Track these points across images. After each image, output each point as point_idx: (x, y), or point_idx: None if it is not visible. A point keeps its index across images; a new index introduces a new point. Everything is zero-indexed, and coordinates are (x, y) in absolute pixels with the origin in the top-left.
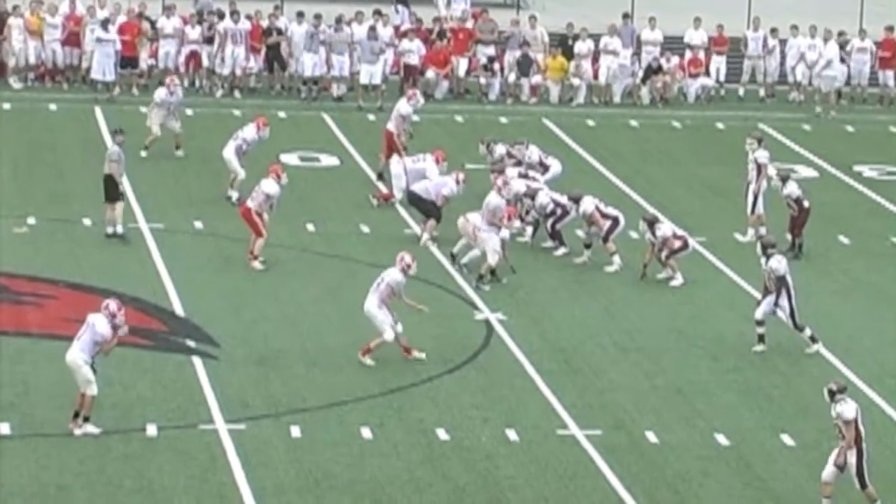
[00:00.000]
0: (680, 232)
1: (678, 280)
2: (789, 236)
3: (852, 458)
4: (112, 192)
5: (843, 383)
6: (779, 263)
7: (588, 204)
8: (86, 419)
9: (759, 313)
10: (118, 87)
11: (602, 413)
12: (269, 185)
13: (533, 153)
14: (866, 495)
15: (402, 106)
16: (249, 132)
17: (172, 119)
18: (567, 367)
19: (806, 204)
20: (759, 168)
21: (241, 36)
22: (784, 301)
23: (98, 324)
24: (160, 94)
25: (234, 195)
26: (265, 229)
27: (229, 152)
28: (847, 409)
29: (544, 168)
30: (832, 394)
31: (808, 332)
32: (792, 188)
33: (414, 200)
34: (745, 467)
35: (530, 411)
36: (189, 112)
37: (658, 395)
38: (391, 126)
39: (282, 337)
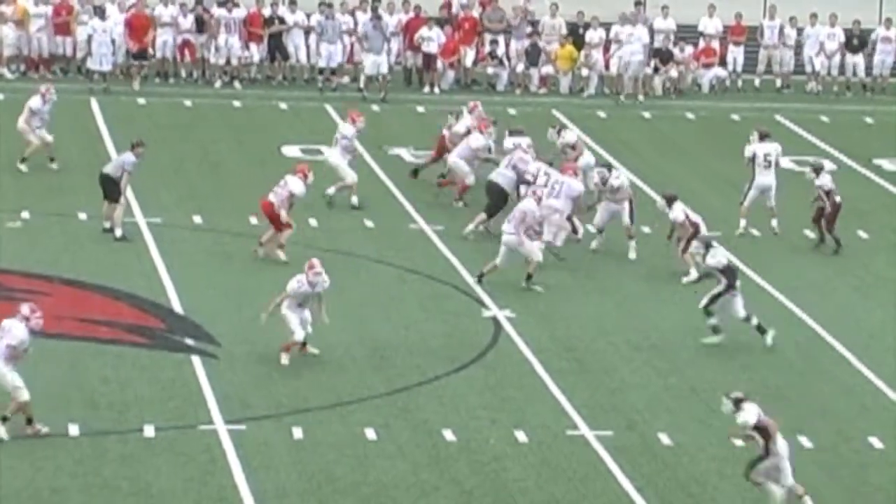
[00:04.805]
0: (694, 217)
1: (692, 276)
2: (816, 231)
3: (759, 451)
4: (112, 192)
5: (741, 394)
6: (714, 258)
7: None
8: (29, 421)
9: (740, 312)
10: (121, 74)
11: (613, 413)
12: (295, 185)
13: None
14: (750, 480)
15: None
16: (347, 128)
17: (44, 129)
18: (577, 365)
19: (838, 199)
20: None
21: (236, 25)
22: (718, 288)
23: (14, 329)
24: (35, 102)
25: (354, 200)
26: (284, 227)
27: (335, 157)
28: (748, 415)
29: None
30: (737, 402)
31: (713, 321)
32: (825, 180)
33: (490, 188)
34: None
35: (539, 411)
36: (188, 103)
37: (671, 395)
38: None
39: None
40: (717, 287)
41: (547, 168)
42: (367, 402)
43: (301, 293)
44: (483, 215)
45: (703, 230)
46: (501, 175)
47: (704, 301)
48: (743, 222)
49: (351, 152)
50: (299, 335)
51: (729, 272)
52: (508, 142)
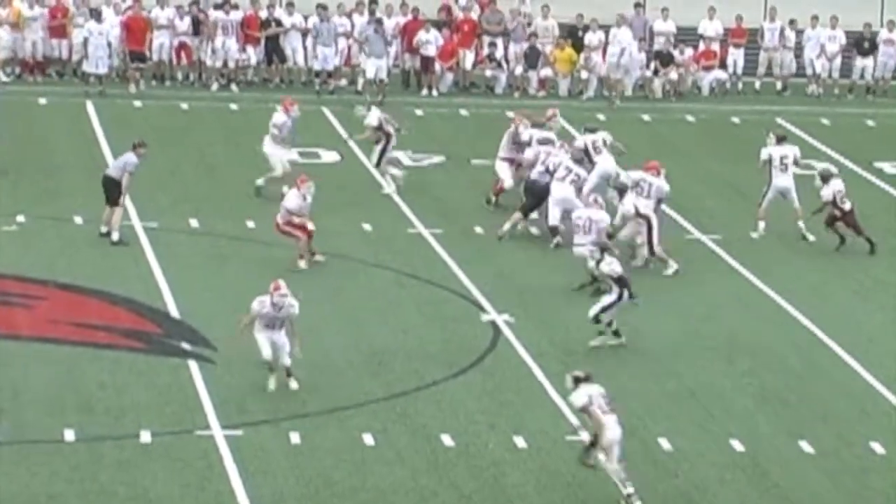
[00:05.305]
0: (645, 210)
1: (671, 268)
2: (833, 234)
3: (588, 437)
4: (113, 195)
5: (583, 373)
6: (609, 266)
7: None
8: None
9: (590, 313)
10: (117, 77)
11: None
12: (289, 200)
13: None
14: (583, 465)
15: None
16: (278, 117)
17: None
18: (576, 370)
19: (847, 206)
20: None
21: (233, 27)
22: (610, 298)
23: None
24: None
25: (261, 181)
26: (307, 227)
27: (267, 146)
28: (577, 398)
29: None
30: (576, 381)
31: (613, 327)
32: (828, 191)
33: (529, 186)
34: (761, 475)
35: (538, 416)
36: (184, 106)
37: (671, 400)
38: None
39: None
40: (609, 297)
41: (569, 162)
42: (365, 407)
43: (264, 314)
44: (518, 214)
45: (655, 224)
46: (541, 174)
47: (595, 310)
48: (762, 225)
49: (282, 142)
50: (266, 353)
51: (622, 281)
52: (525, 134)
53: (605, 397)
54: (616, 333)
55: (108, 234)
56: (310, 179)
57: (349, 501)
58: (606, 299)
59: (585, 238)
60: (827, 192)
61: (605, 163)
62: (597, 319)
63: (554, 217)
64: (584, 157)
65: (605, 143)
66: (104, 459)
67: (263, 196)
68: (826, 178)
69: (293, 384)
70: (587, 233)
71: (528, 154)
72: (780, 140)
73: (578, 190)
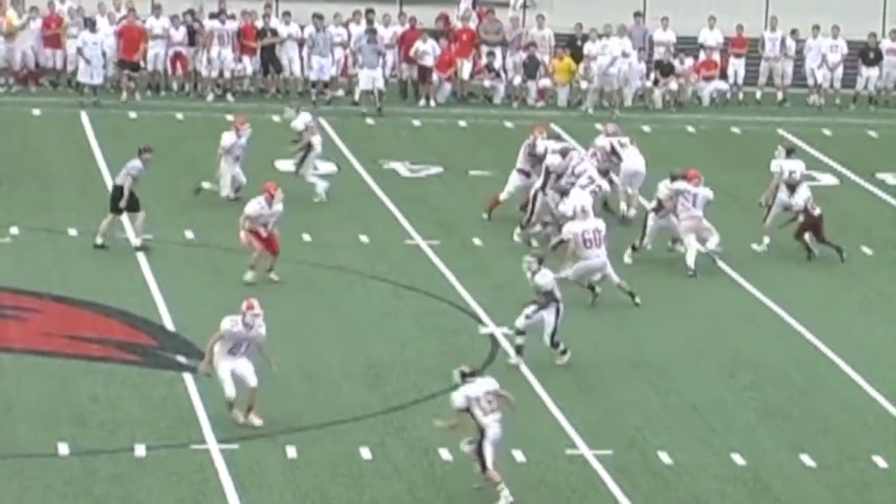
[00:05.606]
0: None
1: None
2: (803, 246)
3: (466, 447)
4: (121, 203)
5: (469, 368)
6: (543, 278)
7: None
8: None
9: (520, 322)
10: (111, 87)
11: (613, 432)
12: (249, 206)
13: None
14: (487, 477)
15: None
16: (227, 138)
17: None
18: (576, 383)
19: (816, 212)
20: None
21: (229, 36)
22: (551, 317)
23: None
24: None
25: (206, 185)
26: (272, 241)
27: (221, 164)
28: (457, 398)
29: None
30: (462, 376)
31: (561, 346)
32: (797, 200)
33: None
34: (763, 489)
35: (538, 430)
36: (179, 116)
37: (672, 414)
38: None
39: (276, 353)
40: (549, 316)
41: (594, 172)
42: (362, 421)
43: (234, 334)
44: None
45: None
46: (570, 183)
47: (548, 335)
48: (766, 239)
49: (235, 161)
50: (230, 391)
51: (550, 296)
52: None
53: (491, 394)
54: (563, 352)
55: (143, 246)
56: (278, 187)
57: None
58: (550, 319)
59: (599, 251)
60: (798, 200)
61: (632, 160)
62: (554, 343)
63: None
64: (613, 157)
65: (631, 140)
66: (98, 473)
67: (197, 196)
68: (793, 186)
69: (257, 421)
70: (598, 245)
71: (555, 160)
72: (790, 153)
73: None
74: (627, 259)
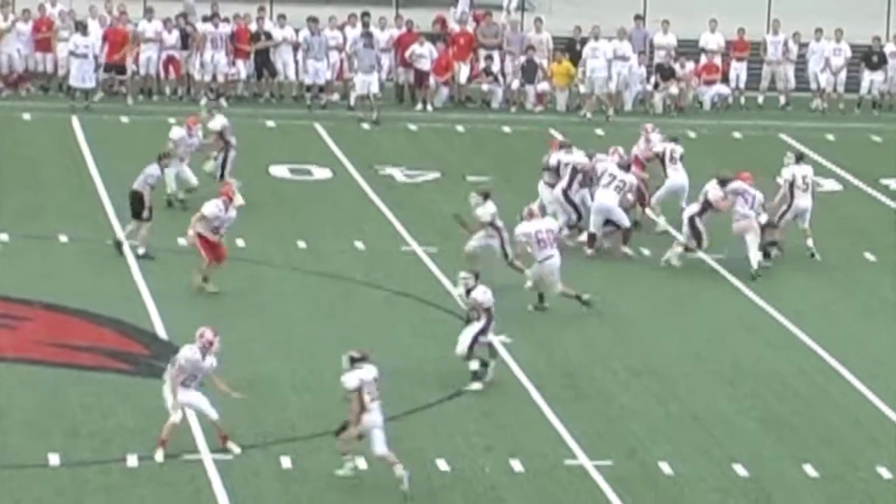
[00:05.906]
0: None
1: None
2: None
3: (354, 430)
4: (136, 208)
5: (361, 353)
6: (483, 294)
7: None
8: None
9: (461, 348)
10: (101, 92)
11: (613, 442)
12: (207, 207)
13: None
14: (339, 443)
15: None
16: (176, 131)
17: None
18: (575, 392)
19: (762, 218)
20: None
21: (222, 40)
22: (479, 326)
23: None
24: None
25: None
26: (208, 254)
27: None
28: (349, 379)
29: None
30: (353, 361)
31: (474, 366)
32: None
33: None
34: (765, 500)
35: (536, 440)
36: (172, 121)
37: (672, 423)
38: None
39: (271, 361)
40: (475, 325)
41: (614, 169)
42: None
43: (192, 361)
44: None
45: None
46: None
47: (466, 344)
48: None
49: (178, 160)
50: (176, 416)
51: (489, 313)
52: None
53: (377, 382)
54: (485, 364)
55: (146, 255)
56: (236, 192)
57: None
58: (473, 328)
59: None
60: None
61: (678, 176)
62: (468, 356)
63: (595, 224)
64: (658, 162)
65: (681, 157)
66: (90, 484)
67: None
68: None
69: (235, 449)
70: (551, 245)
71: (583, 159)
72: (799, 159)
73: (622, 195)
74: (676, 262)
